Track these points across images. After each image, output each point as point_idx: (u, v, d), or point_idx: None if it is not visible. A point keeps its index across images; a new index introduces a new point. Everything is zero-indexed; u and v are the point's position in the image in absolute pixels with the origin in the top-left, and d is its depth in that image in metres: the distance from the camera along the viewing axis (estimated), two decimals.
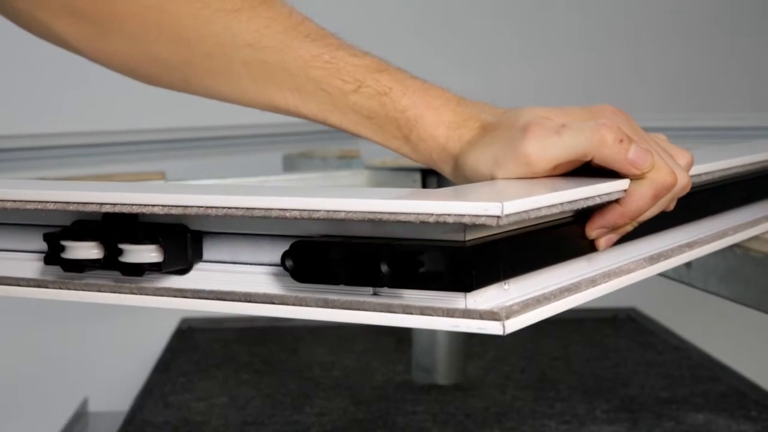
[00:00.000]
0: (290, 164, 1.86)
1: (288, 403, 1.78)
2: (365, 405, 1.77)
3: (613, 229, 0.64)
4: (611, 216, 0.63)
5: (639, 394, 1.80)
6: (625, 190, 0.63)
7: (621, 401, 1.76)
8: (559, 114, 0.67)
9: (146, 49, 0.74)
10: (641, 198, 0.63)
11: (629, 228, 0.64)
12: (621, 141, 0.62)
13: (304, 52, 0.71)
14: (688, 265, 1.08)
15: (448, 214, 0.50)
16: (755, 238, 0.92)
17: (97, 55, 0.76)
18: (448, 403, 1.78)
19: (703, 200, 0.81)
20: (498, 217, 0.50)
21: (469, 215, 0.50)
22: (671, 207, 0.67)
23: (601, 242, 0.64)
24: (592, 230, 0.63)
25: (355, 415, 1.71)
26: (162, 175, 1.61)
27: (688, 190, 0.66)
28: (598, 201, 0.61)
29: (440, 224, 0.51)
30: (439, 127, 0.70)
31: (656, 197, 0.64)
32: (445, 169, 0.71)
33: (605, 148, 0.62)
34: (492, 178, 0.66)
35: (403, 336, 2.13)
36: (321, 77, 0.71)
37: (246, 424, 1.67)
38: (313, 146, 1.99)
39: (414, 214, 0.51)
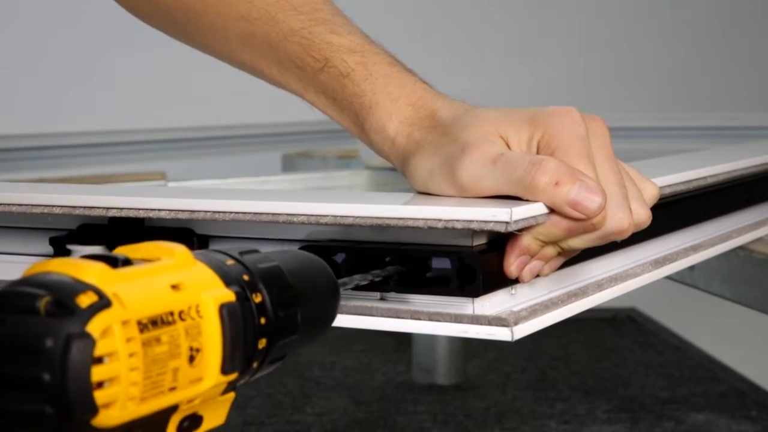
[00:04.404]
0: (289, 164, 1.86)
1: (288, 403, 1.78)
2: (365, 405, 1.77)
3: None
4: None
5: (639, 394, 1.80)
6: None
7: (621, 401, 1.76)
8: (508, 129, 0.58)
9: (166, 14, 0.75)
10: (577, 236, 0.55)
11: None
12: (557, 184, 0.53)
13: (285, 26, 0.68)
14: (691, 267, 1.08)
15: (457, 220, 0.50)
16: (758, 239, 0.92)
17: None
18: (448, 403, 1.78)
19: (708, 203, 0.81)
20: (506, 223, 0.50)
21: (477, 221, 0.50)
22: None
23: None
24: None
25: (355, 415, 1.71)
26: (162, 175, 1.60)
27: (646, 225, 0.58)
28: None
29: (448, 230, 0.50)
30: (392, 120, 0.63)
31: (604, 239, 0.56)
32: (397, 166, 0.64)
33: (537, 192, 0.53)
34: (426, 190, 0.59)
35: (403, 336, 2.13)
36: (296, 53, 0.67)
37: (246, 424, 1.67)
38: (312, 146, 1.99)
39: (422, 219, 0.51)
